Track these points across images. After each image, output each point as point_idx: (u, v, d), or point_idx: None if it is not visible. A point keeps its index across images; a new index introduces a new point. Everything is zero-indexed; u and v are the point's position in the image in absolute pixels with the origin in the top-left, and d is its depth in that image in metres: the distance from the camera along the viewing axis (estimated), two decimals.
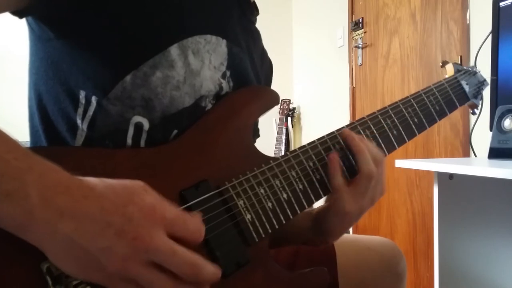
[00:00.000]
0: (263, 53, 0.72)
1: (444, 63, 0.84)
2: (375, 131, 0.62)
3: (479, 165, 0.95)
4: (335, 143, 0.59)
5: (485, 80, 0.84)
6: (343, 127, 0.61)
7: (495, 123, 1.07)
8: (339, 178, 0.56)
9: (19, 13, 0.50)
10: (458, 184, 1.16)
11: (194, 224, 0.42)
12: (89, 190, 0.39)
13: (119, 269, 0.38)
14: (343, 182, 0.56)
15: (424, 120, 0.68)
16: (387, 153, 0.63)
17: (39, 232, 0.37)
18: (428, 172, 1.92)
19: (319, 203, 0.60)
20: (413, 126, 0.66)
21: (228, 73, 0.59)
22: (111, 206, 0.38)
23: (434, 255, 1.17)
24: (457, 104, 0.75)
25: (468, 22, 1.82)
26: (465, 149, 1.85)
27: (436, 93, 0.71)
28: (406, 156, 2.17)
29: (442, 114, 0.71)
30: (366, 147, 0.57)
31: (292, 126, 3.44)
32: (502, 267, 1.22)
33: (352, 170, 0.58)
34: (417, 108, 0.68)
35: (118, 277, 0.38)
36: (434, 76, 2.06)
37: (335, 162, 0.57)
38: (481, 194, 1.19)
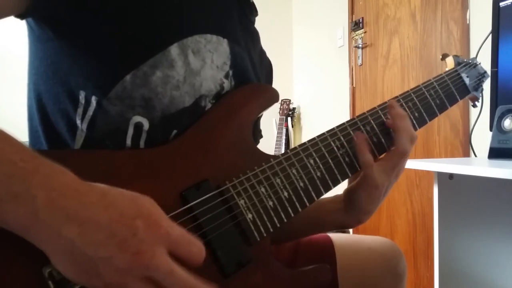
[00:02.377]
0: (262, 53, 0.72)
1: (444, 56, 0.83)
2: (375, 127, 0.62)
3: (479, 165, 0.95)
4: (335, 139, 0.59)
5: (485, 72, 0.84)
6: (343, 124, 0.61)
7: (495, 123, 1.07)
8: (368, 155, 0.58)
9: (20, 15, 0.50)
10: (458, 184, 1.16)
11: (197, 246, 0.42)
12: (99, 197, 0.39)
13: (116, 280, 0.38)
14: (371, 158, 0.58)
15: (424, 114, 0.68)
16: (387, 149, 0.63)
17: (43, 234, 0.37)
18: (428, 172, 1.92)
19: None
20: (414, 121, 0.66)
21: (231, 73, 0.59)
22: (118, 216, 0.38)
23: (434, 255, 1.17)
24: (458, 97, 0.74)
25: (468, 22, 1.82)
26: (465, 149, 1.85)
27: (437, 86, 0.71)
28: None
29: (442, 108, 0.71)
30: (406, 127, 0.60)
31: (292, 126, 3.44)
32: (502, 267, 1.22)
33: (381, 147, 0.62)
34: (417, 102, 0.67)
35: (115, 286, 0.38)
36: (434, 75, 2.06)
37: (362, 140, 0.59)
38: (481, 194, 1.19)
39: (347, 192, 0.63)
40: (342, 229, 0.67)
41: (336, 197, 0.66)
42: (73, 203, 0.37)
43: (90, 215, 0.37)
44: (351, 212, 0.63)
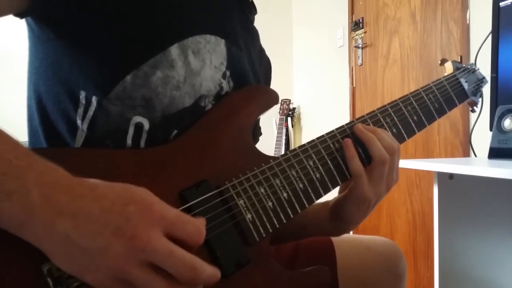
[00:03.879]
0: (261, 51, 0.72)
1: (443, 61, 0.84)
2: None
3: (479, 165, 0.95)
4: (335, 141, 0.59)
5: (484, 77, 0.84)
6: (343, 126, 0.61)
7: (495, 123, 1.07)
8: (357, 162, 0.58)
9: (19, 14, 0.50)
10: (458, 184, 1.16)
11: (194, 226, 0.41)
12: (90, 190, 0.39)
13: (115, 269, 0.37)
14: (361, 167, 0.58)
15: (423, 118, 0.68)
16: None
17: (38, 230, 0.37)
18: (428, 172, 1.92)
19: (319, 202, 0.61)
20: (413, 124, 0.67)
21: (228, 73, 0.59)
22: (110, 205, 0.38)
23: (434, 255, 1.17)
24: (457, 102, 0.75)
25: (468, 22, 1.82)
26: (465, 149, 1.85)
27: (436, 91, 0.71)
28: (406, 156, 2.17)
29: (441, 112, 0.71)
30: (375, 136, 0.59)
31: (292, 126, 3.44)
32: (502, 267, 1.22)
33: (368, 158, 0.60)
34: (416, 106, 0.68)
35: (114, 278, 0.38)
36: (434, 76, 2.06)
37: (350, 146, 0.58)
38: (481, 194, 1.19)
39: (335, 202, 0.64)
40: (326, 236, 0.67)
41: (324, 205, 0.65)
42: (65, 197, 0.37)
43: (83, 208, 0.37)
44: (337, 223, 0.63)
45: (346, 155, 0.58)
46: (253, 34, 0.69)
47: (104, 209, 0.38)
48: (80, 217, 0.37)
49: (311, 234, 0.70)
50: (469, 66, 0.83)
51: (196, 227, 0.41)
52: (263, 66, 0.71)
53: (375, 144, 0.58)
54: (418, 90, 0.70)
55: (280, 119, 3.23)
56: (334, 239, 0.77)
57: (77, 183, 0.39)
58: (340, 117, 2.82)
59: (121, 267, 0.37)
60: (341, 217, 0.62)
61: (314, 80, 3.31)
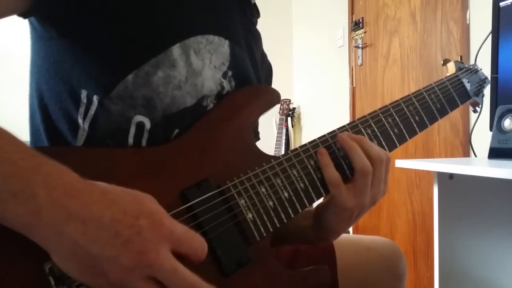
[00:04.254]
0: (263, 56, 0.72)
1: (446, 61, 0.84)
2: (376, 130, 0.62)
3: (479, 165, 0.95)
4: (336, 141, 0.59)
5: (486, 78, 0.84)
6: (344, 126, 0.61)
7: (495, 123, 1.07)
8: (332, 172, 0.56)
9: (22, 14, 0.50)
10: (458, 184, 1.16)
11: (199, 243, 0.42)
12: (100, 196, 0.39)
13: (120, 278, 0.38)
14: (337, 177, 0.55)
15: (425, 118, 0.68)
16: (388, 151, 0.63)
17: (45, 232, 0.37)
18: (428, 172, 1.92)
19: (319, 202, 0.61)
20: (414, 124, 0.66)
21: (229, 73, 0.59)
22: (121, 215, 0.38)
23: (434, 255, 1.17)
24: (459, 102, 0.74)
25: (468, 22, 1.82)
26: (465, 149, 1.85)
27: (438, 91, 0.71)
28: (406, 156, 2.18)
29: (443, 112, 0.71)
30: (358, 145, 0.56)
31: (292, 126, 3.44)
32: (502, 267, 1.22)
33: (350, 168, 0.58)
34: (418, 106, 0.67)
35: (116, 285, 0.38)
36: (434, 76, 2.06)
37: (323, 155, 0.57)
38: (481, 194, 1.19)
39: (316, 209, 0.62)
40: (307, 244, 0.65)
41: (308, 212, 0.64)
42: (75, 202, 0.37)
43: (93, 214, 0.38)
44: (318, 230, 0.62)
45: (321, 163, 0.56)
46: (256, 37, 0.69)
47: (115, 218, 0.38)
48: (90, 224, 0.37)
49: (292, 241, 0.68)
50: (471, 67, 0.83)
51: (201, 244, 0.42)
52: (264, 69, 0.71)
53: (356, 154, 0.55)
54: (420, 90, 0.69)
55: (280, 119, 3.23)
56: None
57: (87, 188, 0.39)
58: (340, 117, 2.82)
59: (126, 278, 0.38)
60: (321, 225, 0.60)
61: (314, 80, 3.31)
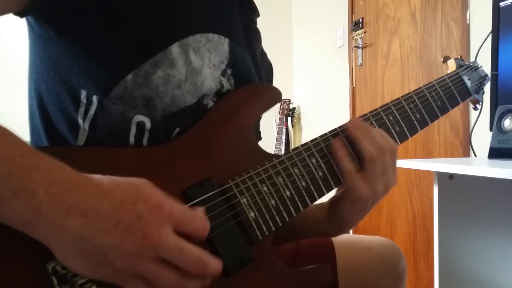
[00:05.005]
0: (263, 54, 0.72)
1: (446, 59, 0.84)
2: (377, 127, 0.62)
3: (479, 165, 0.95)
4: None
5: (486, 75, 0.84)
6: (344, 124, 0.61)
7: (495, 123, 1.07)
8: (348, 163, 0.57)
9: (20, 13, 0.50)
10: (458, 184, 1.16)
11: (200, 221, 0.43)
12: (97, 187, 0.39)
13: (127, 265, 0.38)
14: (353, 167, 0.57)
15: (426, 116, 0.68)
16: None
17: (46, 229, 0.37)
18: (428, 172, 1.92)
19: (320, 201, 0.61)
20: (415, 122, 0.66)
21: (229, 71, 0.59)
22: (119, 203, 0.39)
23: (434, 255, 1.17)
24: (459, 99, 0.74)
25: (468, 22, 1.82)
26: (465, 149, 1.85)
27: (438, 88, 0.71)
28: (406, 156, 2.18)
29: (444, 110, 0.71)
30: (363, 134, 0.58)
31: (292, 126, 3.44)
32: (502, 267, 1.22)
33: (358, 157, 0.59)
34: (419, 104, 0.67)
35: (126, 272, 0.39)
36: (434, 76, 2.06)
37: (339, 147, 0.58)
38: (481, 194, 1.19)
39: (331, 201, 0.63)
40: (322, 237, 0.66)
41: (321, 205, 0.65)
42: (74, 196, 0.38)
43: (92, 206, 0.38)
44: (333, 222, 0.62)
45: (335, 156, 0.57)
46: (256, 35, 0.69)
47: (114, 207, 0.38)
48: (91, 215, 0.38)
49: (307, 235, 0.69)
50: (471, 64, 0.82)
51: (203, 221, 0.43)
52: (265, 68, 0.71)
53: (362, 142, 0.57)
54: (421, 88, 0.69)
55: (280, 119, 3.23)
56: (334, 239, 0.77)
57: (84, 181, 0.39)
58: (340, 117, 2.82)
59: (133, 263, 0.38)
60: (337, 216, 0.61)
61: (314, 80, 3.31)
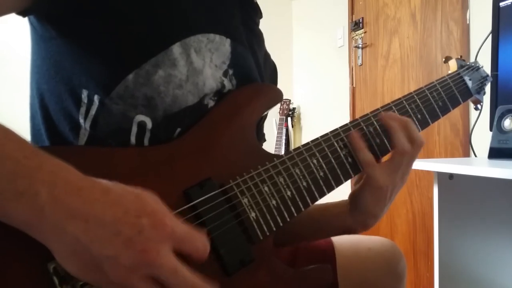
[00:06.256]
0: (267, 56, 0.72)
1: (447, 59, 0.84)
2: (378, 128, 0.62)
3: (479, 165, 0.95)
4: (338, 140, 0.59)
5: (488, 75, 0.84)
6: (346, 124, 0.61)
7: (495, 123, 1.07)
8: (366, 153, 0.58)
9: (22, 12, 0.50)
10: (458, 184, 1.16)
11: (201, 242, 0.42)
12: (102, 194, 0.39)
13: (120, 276, 0.38)
14: (372, 157, 0.58)
15: (427, 116, 0.68)
16: (391, 150, 0.63)
17: (47, 230, 0.37)
18: (428, 172, 1.92)
19: (321, 201, 0.61)
20: (416, 122, 0.66)
21: (230, 72, 0.59)
22: (123, 214, 0.38)
23: (434, 255, 1.17)
24: (460, 99, 0.74)
25: (468, 22, 1.82)
26: (465, 149, 1.85)
27: (439, 89, 0.71)
28: None
29: (445, 110, 0.71)
30: (399, 126, 0.60)
31: (292, 126, 3.44)
32: (502, 267, 1.22)
33: (383, 147, 0.61)
34: (420, 104, 0.67)
35: (119, 285, 0.38)
36: (434, 76, 2.06)
37: (356, 138, 0.59)
38: (481, 194, 1.20)
39: (352, 194, 0.63)
40: (348, 233, 0.67)
41: (342, 201, 0.65)
42: (77, 200, 0.37)
43: (95, 212, 0.38)
44: (356, 215, 0.62)
45: (355, 146, 0.58)
46: (258, 37, 0.69)
47: (117, 217, 0.38)
48: (92, 222, 0.37)
49: (332, 233, 0.69)
50: (473, 64, 0.82)
51: (203, 243, 0.42)
52: (268, 70, 0.71)
53: (398, 133, 0.59)
54: (422, 88, 0.69)
55: (280, 119, 3.23)
56: (334, 240, 0.77)
57: (89, 185, 0.39)
58: (340, 117, 2.82)
59: (126, 276, 0.38)
60: (360, 209, 0.61)
61: (314, 80, 3.31)
